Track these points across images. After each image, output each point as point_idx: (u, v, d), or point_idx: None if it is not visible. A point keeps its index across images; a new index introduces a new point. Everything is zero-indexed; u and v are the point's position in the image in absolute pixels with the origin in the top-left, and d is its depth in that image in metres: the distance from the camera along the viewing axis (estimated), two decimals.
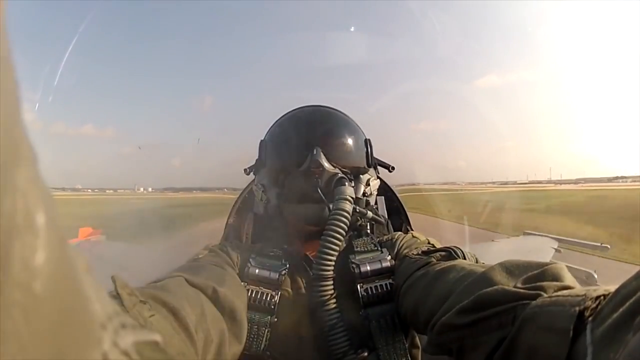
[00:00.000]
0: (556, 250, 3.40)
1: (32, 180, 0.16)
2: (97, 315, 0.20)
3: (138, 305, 0.43)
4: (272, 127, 0.95)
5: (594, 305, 0.36)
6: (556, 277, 0.47)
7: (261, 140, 0.93)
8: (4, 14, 0.16)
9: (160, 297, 0.50)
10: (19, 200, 0.15)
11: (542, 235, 4.14)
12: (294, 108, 0.94)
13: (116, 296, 0.42)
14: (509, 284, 0.49)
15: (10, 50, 0.16)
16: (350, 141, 0.87)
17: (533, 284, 0.46)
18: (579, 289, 0.43)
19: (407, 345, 0.76)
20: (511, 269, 0.52)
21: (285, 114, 0.94)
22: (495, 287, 0.49)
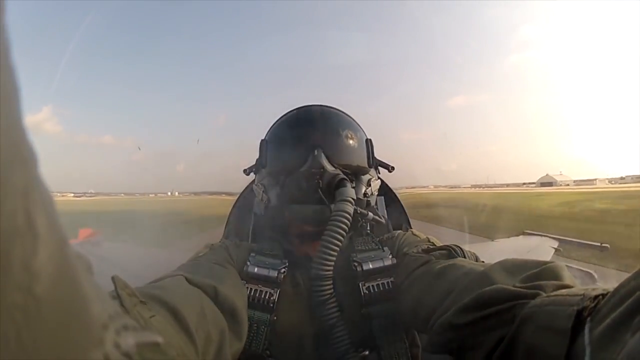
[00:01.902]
0: (556, 249, 3.41)
1: (32, 182, 0.16)
2: (98, 316, 0.20)
3: (139, 305, 0.43)
4: (272, 126, 0.94)
5: (593, 305, 0.36)
6: (555, 276, 0.47)
7: (262, 140, 0.92)
8: (3, 15, 0.16)
9: (160, 297, 0.50)
10: (19, 202, 0.15)
11: (541, 235, 4.14)
12: (295, 107, 0.94)
13: (116, 297, 0.42)
14: (508, 283, 0.49)
15: (10, 51, 0.16)
16: (351, 141, 0.86)
17: (532, 283, 0.46)
18: (577, 288, 0.43)
19: (407, 344, 0.76)
20: (510, 268, 0.52)
21: (286, 113, 0.93)
22: (494, 286, 0.49)
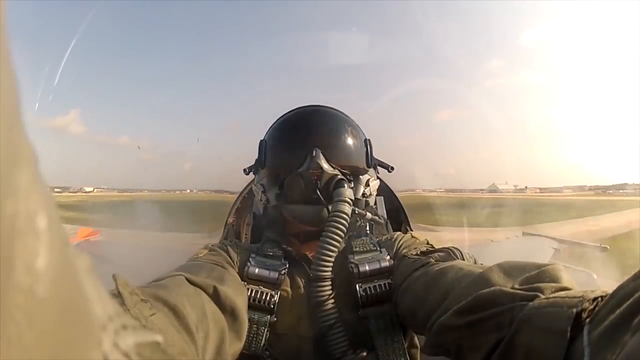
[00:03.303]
0: (555, 250, 3.41)
1: (33, 182, 0.16)
2: (98, 316, 0.20)
3: (139, 304, 0.43)
4: (271, 126, 0.94)
5: (592, 307, 0.36)
6: (554, 278, 0.47)
7: (261, 140, 0.92)
8: (4, 15, 0.16)
9: (161, 295, 0.50)
10: (20, 203, 0.15)
11: (541, 236, 4.14)
12: (294, 108, 0.94)
13: (117, 295, 0.42)
14: (506, 285, 0.49)
15: (10, 51, 0.16)
16: (349, 141, 0.86)
17: (530, 285, 0.46)
18: (576, 290, 0.43)
19: (405, 345, 0.76)
20: (509, 269, 0.52)
21: (284, 114, 0.94)
22: (492, 288, 0.49)
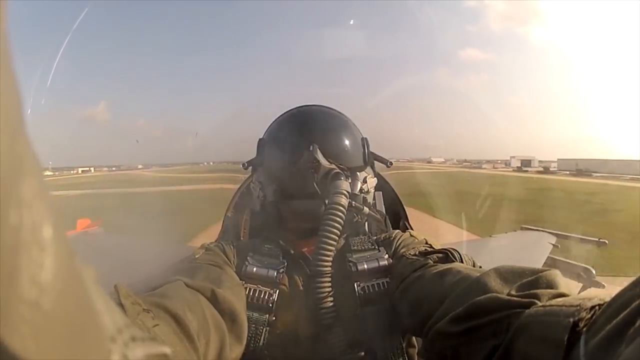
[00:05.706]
0: (554, 245, 3.41)
1: (37, 192, 0.16)
2: (107, 328, 0.20)
3: (142, 314, 0.43)
4: (270, 125, 0.95)
5: (589, 316, 0.36)
6: (550, 284, 0.47)
7: (260, 139, 0.93)
8: (4, 17, 0.16)
9: (162, 304, 0.50)
10: (24, 213, 0.15)
11: (539, 230, 4.14)
12: (293, 107, 0.95)
13: (119, 306, 0.42)
14: (503, 291, 0.49)
15: (12, 57, 0.16)
16: (347, 140, 0.87)
17: (527, 292, 0.46)
18: (573, 297, 0.43)
19: (404, 345, 0.77)
20: (506, 275, 0.52)
21: (283, 113, 0.94)
22: (489, 295, 0.49)
